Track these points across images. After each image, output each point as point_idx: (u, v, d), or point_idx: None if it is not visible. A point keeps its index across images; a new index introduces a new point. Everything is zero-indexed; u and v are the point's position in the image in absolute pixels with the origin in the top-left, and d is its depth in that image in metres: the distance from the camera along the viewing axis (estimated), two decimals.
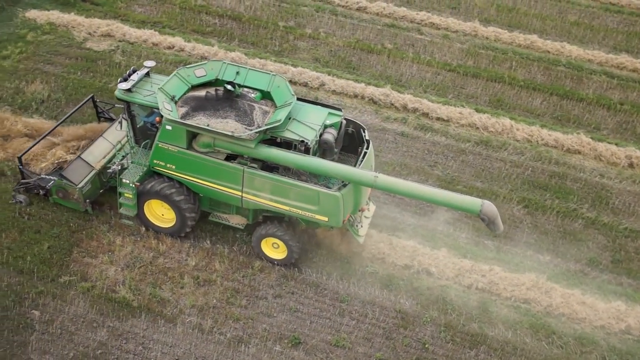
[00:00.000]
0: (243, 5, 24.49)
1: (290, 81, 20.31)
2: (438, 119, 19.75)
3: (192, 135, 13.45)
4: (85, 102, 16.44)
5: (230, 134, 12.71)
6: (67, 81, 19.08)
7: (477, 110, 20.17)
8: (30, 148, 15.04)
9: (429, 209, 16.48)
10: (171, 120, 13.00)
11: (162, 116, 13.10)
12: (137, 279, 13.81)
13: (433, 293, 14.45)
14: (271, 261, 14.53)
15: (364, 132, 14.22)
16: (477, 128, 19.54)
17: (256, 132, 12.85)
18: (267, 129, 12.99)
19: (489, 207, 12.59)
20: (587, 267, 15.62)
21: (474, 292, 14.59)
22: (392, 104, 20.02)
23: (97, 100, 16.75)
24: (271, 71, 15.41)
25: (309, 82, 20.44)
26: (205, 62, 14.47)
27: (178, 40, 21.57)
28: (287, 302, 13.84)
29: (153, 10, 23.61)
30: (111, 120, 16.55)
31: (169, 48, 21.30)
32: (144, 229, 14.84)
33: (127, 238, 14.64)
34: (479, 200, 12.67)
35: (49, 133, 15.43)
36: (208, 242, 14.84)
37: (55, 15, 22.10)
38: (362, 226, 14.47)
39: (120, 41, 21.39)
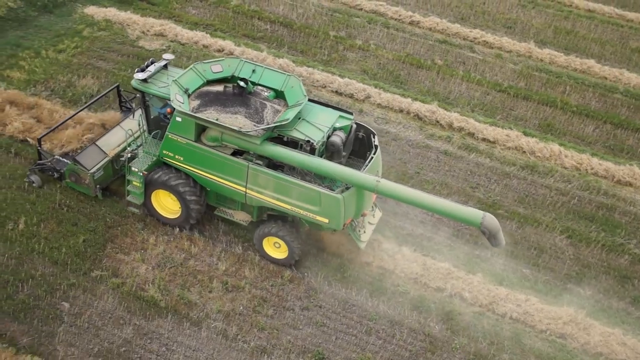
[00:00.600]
0: (295, 12, 24.53)
1: (335, 92, 20.28)
2: (484, 139, 19.26)
3: (202, 129, 13.59)
4: (110, 90, 16.95)
5: (236, 129, 12.80)
6: (117, 77, 19.41)
7: (525, 134, 19.59)
8: (51, 131, 15.48)
9: (467, 231, 16.05)
10: (181, 112, 13.17)
11: (174, 108, 13.29)
12: (166, 279, 13.85)
13: (464, 319, 14.00)
14: (272, 260, 14.47)
15: (373, 137, 14.16)
16: (524, 152, 18.97)
17: (263, 129, 12.95)
18: (274, 127, 13.09)
19: (491, 220, 12.36)
20: (631, 305, 14.89)
21: (507, 321, 14.07)
22: (438, 122, 19.63)
23: (122, 90, 17.17)
24: (287, 72, 15.37)
25: (354, 94, 20.26)
26: (223, 58, 14.71)
27: (228, 44, 21.72)
28: (314, 316, 13.63)
29: (206, 13, 23.88)
30: (130, 110, 16.90)
31: (219, 51, 21.46)
32: (177, 229, 14.90)
33: (161, 238, 14.71)
34: (481, 213, 12.42)
35: (70, 118, 15.97)
36: (240, 247, 14.78)
37: (112, 13, 22.57)
38: (364, 232, 14.37)
39: (172, 41, 21.68)
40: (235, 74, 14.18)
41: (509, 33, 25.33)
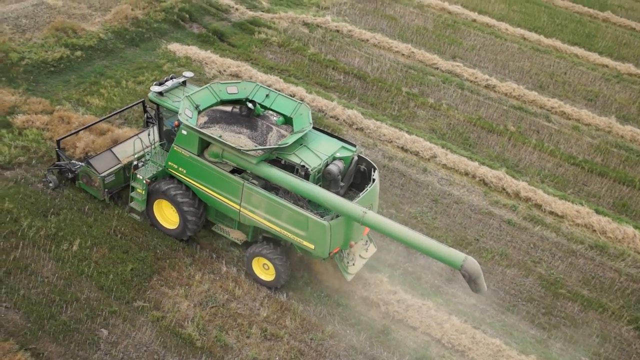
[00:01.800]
0: (371, 65, 24.63)
1: (401, 148, 19.97)
2: (551, 213, 18.35)
3: (205, 144, 13.99)
4: (136, 104, 17.69)
5: (234, 146, 13.13)
6: None
7: (597, 212, 18.54)
8: (70, 134, 16.52)
9: (523, 307, 15.13)
10: (186, 126, 13.59)
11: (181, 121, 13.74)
12: (206, 318, 13.64)
13: None
14: (258, 281, 14.50)
15: (374, 171, 14.18)
16: (594, 231, 17.91)
17: (261, 150, 13.25)
18: (271, 149, 13.38)
19: (472, 264, 12.02)
20: None
21: None
22: (504, 189, 18.91)
23: (147, 106, 17.72)
24: (299, 99, 15.65)
25: (420, 152, 19.88)
26: (240, 81, 15.19)
27: (300, 90, 21.94)
28: None
29: (283, 59, 24.33)
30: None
31: (291, 96, 21.65)
32: (224, 267, 14.78)
33: (207, 275, 14.60)
34: (462, 255, 12.11)
35: (91, 125, 16.93)
36: (284, 295, 14.45)
37: (193, 51, 23.35)
38: (353, 264, 14.20)
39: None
40: (250, 97, 14.64)
41: (589, 106, 24.48)
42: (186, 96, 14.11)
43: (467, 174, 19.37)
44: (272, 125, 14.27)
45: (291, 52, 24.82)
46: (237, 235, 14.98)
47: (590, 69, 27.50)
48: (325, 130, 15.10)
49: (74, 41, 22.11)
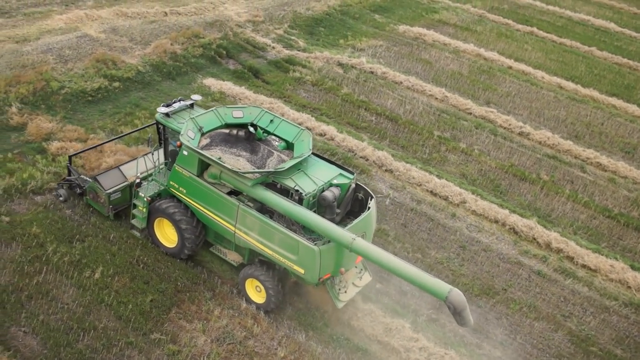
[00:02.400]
0: (403, 108, 24.60)
1: (430, 192, 19.70)
2: (584, 266, 17.74)
3: (205, 165, 14.29)
4: (149, 125, 17.88)
5: (230, 167, 13.45)
6: None
7: (632, 267, 17.86)
8: (82, 151, 17.23)
9: None
10: (187, 147, 13.95)
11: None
12: (222, 355, 13.39)
13: None
14: (251, 303, 14.56)
15: (370, 199, 14.19)
16: (629, 287, 17.22)
17: (257, 173, 13.54)
18: (267, 172, 13.63)
19: (458, 296, 11.80)
20: None
21: None
22: (535, 239, 18.39)
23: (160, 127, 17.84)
24: (302, 126, 15.86)
25: (450, 197, 19.56)
26: (246, 105, 15.56)
27: (331, 129, 21.95)
28: None
29: (316, 97, 24.48)
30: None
31: (321, 135, 21.71)
32: (244, 304, 14.58)
33: (226, 311, 14.40)
34: (448, 286, 11.91)
35: (103, 143, 17.68)
36: (303, 336, 14.15)
37: (228, 86, 23.66)
38: (345, 292, 14.12)
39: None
40: (254, 122, 14.89)
41: (627, 158, 23.92)
42: (191, 118, 14.48)
43: (496, 221, 18.94)
44: (273, 150, 14.56)
45: (324, 92, 24.98)
46: (233, 257, 15.18)
47: (628, 120, 26.98)
48: (326, 157, 15.30)
49: (113, 72, 22.66)
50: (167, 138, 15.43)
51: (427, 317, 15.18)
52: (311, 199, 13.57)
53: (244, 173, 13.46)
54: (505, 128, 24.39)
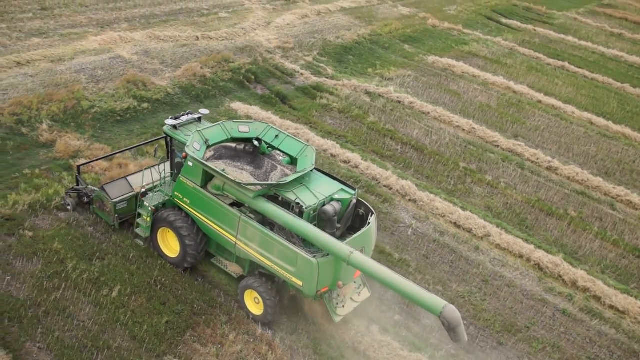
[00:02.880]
0: (429, 138, 24.42)
1: (454, 223, 19.39)
2: (611, 307, 17.15)
3: (209, 177, 14.47)
4: (159, 138, 18.04)
5: (233, 179, 13.66)
6: None
7: None
8: (91, 162, 17.73)
9: None
10: (192, 158, 14.18)
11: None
12: None
13: None
14: (249, 315, 14.62)
15: (370, 215, 14.28)
16: None
17: (260, 185, 13.77)
18: (269, 185, 13.86)
19: (452, 312, 11.79)
20: None
21: None
22: (560, 276, 17.89)
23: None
24: (306, 142, 16.00)
25: (474, 229, 19.20)
26: (252, 121, 15.82)
27: (355, 157, 21.86)
28: None
29: (341, 125, 24.47)
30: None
31: (345, 162, 21.62)
32: (260, 329, 14.39)
33: (241, 336, 14.22)
34: (443, 302, 11.93)
35: (113, 154, 18.25)
36: None
37: (255, 111, 23.79)
38: (343, 306, 14.19)
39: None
40: (260, 137, 15.11)
41: None
42: (197, 130, 14.76)
43: (521, 256, 18.50)
44: (277, 165, 14.80)
45: (351, 119, 24.97)
46: (234, 269, 15.28)
47: None
48: (328, 172, 15.37)
49: (143, 93, 23.00)
50: (174, 150, 15.74)
51: (446, 352, 14.78)
52: (312, 212, 13.72)
53: (247, 185, 13.73)
54: (533, 162, 24.01)
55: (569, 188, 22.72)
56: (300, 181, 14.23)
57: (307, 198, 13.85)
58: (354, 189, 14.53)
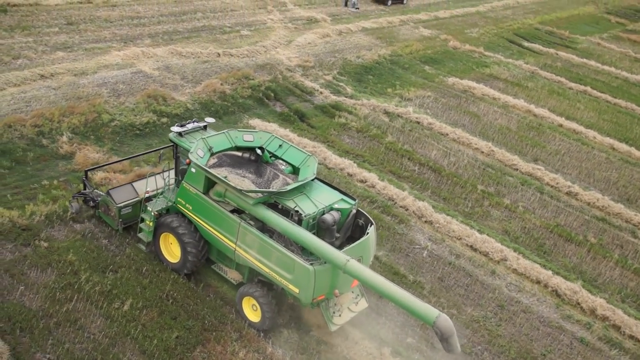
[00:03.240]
0: (447, 160, 24.25)
1: (470, 246, 19.14)
2: (631, 337, 16.73)
3: (211, 183, 14.62)
4: (166, 147, 18.07)
5: (234, 186, 13.78)
6: None
7: None
8: (98, 167, 18.12)
9: None
10: (195, 165, 14.34)
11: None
12: None
13: None
14: (246, 321, 14.70)
15: (370, 226, 14.33)
16: None
17: (260, 192, 13.92)
18: (270, 192, 14.02)
19: (445, 322, 11.76)
20: None
21: None
22: (579, 303, 17.52)
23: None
24: (309, 152, 16.05)
25: (490, 253, 18.92)
26: (257, 130, 16.06)
27: (372, 177, 21.75)
28: None
29: (359, 144, 24.41)
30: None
31: (362, 182, 21.52)
32: (270, 347, 14.24)
33: (251, 354, 14.07)
34: (436, 311, 11.91)
35: (119, 161, 18.55)
36: None
37: (273, 128, 23.80)
38: (340, 315, 14.22)
39: (319, 163, 22.17)
40: (264, 146, 15.33)
41: None
42: (202, 138, 14.98)
43: (538, 282, 18.16)
44: (279, 173, 14.93)
45: (369, 139, 24.91)
46: (233, 276, 15.41)
47: None
48: (328, 182, 15.47)
49: (162, 108, 23.21)
50: (179, 156, 15.91)
51: None
52: (311, 220, 13.79)
53: (247, 192, 13.87)
54: (552, 186, 23.68)
55: (589, 214, 22.34)
56: (300, 190, 14.39)
57: (307, 206, 13.95)
58: (354, 199, 14.63)
